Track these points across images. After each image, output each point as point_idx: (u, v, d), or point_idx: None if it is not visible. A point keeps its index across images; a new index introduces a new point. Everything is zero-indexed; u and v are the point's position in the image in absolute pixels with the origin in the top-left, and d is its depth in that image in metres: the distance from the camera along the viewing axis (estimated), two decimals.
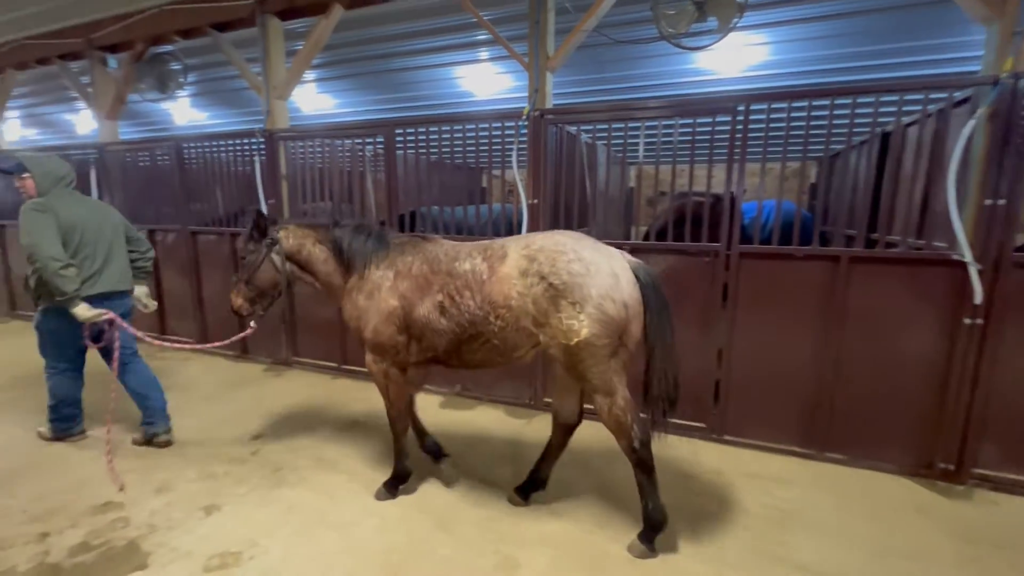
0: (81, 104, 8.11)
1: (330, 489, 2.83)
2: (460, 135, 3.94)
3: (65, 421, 3.31)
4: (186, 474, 2.95)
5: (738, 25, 3.33)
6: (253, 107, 7.97)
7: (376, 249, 2.63)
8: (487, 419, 3.79)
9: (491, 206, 3.98)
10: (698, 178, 3.55)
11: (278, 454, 3.22)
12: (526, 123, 3.68)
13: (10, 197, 6.29)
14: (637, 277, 2.25)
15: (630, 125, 3.60)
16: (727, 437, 3.42)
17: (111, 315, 2.94)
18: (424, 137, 4.06)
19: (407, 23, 5.22)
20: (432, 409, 3.95)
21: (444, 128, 3.97)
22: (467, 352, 2.45)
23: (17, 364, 4.84)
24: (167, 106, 8.62)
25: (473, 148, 3.96)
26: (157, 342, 3.51)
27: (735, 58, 5.45)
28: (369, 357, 2.65)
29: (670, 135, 3.44)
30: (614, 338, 2.17)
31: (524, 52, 3.77)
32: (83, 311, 2.85)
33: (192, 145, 5.10)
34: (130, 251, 3.29)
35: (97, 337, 3.04)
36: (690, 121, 3.38)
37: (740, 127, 3.14)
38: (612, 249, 2.34)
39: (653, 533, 2.32)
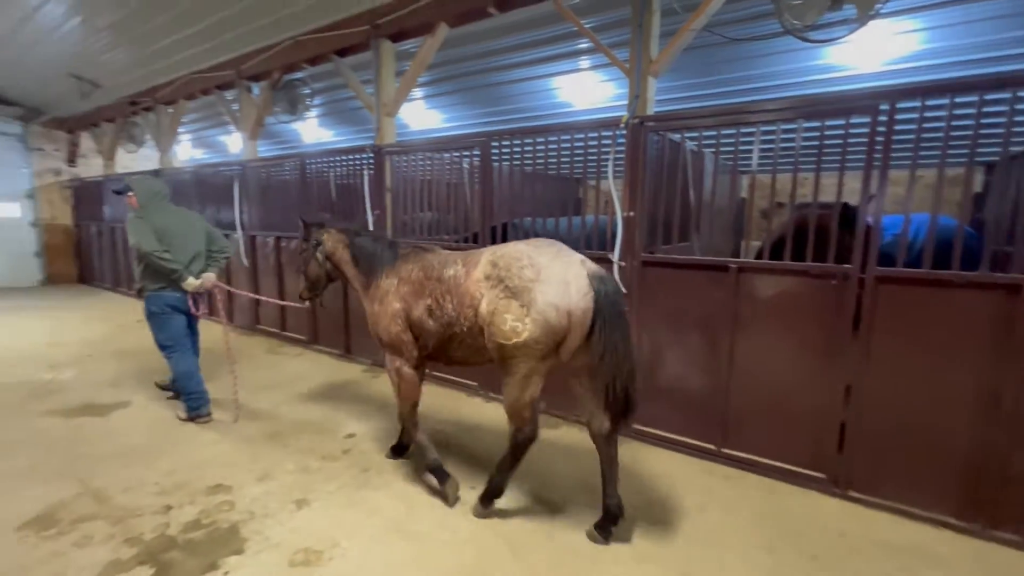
0: (232, 127, 9.41)
1: (410, 496, 2.86)
2: (555, 145, 3.86)
3: (195, 400, 3.77)
4: (285, 465, 3.18)
5: (882, 11, 2.85)
6: (370, 124, 8.65)
7: (387, 259, 2.95)
8: (572, 440, 3.62)
9: (583, 218, 3.84)
10: (825, 187, 3.09)
11: (367, 455, 3.34)
12: (624, 131, 3.50)
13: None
14: (593, 287, 2.29)
15: (743, 131, 3.25)
16: (853, 493, 2.89)
17: (213, 282, 3.78)
18: (519, 148, 4.05)
19: (506, 37, 5.29)
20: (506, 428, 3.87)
21: (539, 139, 3.92)
22: (450, 350, 2.70)
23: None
24: (298, 126, 9.66)
25: (569, 159, 3.86)
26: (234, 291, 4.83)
27: (875, 50, 4.73)
28: (387, 357, 2.94)
29: (791, 140, 3.04)
30: (551, 344, 2.30)
31: (626, 59, 3.59)
32: (190, 282, 3.66)
33: (312, 160, 5.61)
34: (211, 250, 3.95)
35: (197, 306, 3.82)
36: (817, 124, 2.96)
37: (883, 128, 2.67)
38: (574, 258, 2.40)
39: (490, 500, 2.63)
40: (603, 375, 2.31)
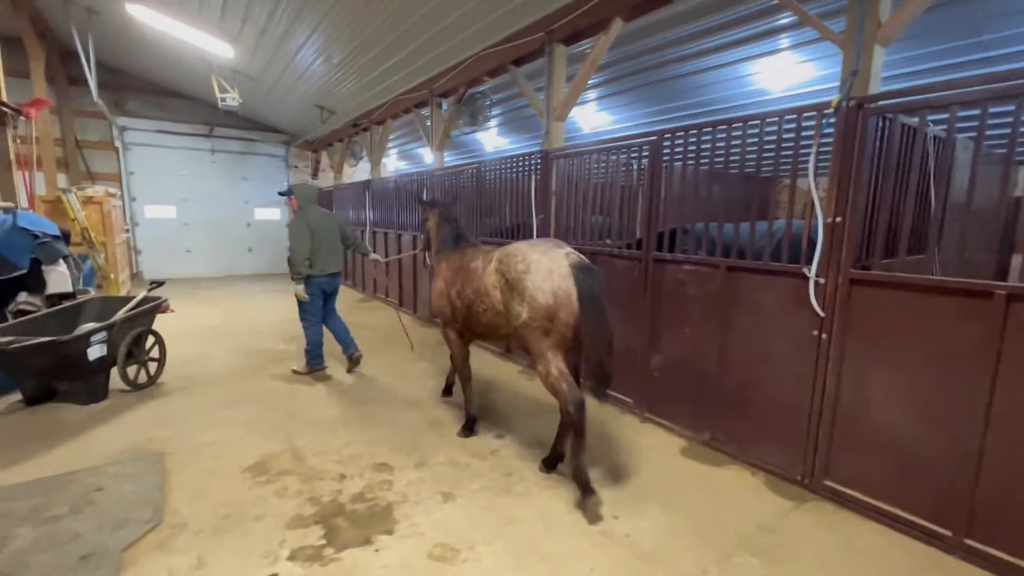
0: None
1: (549, 513, 2.75)
2: (739, 140, 3.34)
3: (316, 359, 5.00)
4: (438, 455, 3.37)
5: None
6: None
7: (449, 246, 3.73)
8: (738, 485, 3.09)
9: (771, 223, 3.23)
10: None
11: (513, 459, 3.35)
12: (832, 117, 2.83)
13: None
14: (572, 273, 2.75)
15: None
16: None
17: (306, 297, 4.74)
18: (695, 145, 3.61)
19: (685, 25, 4.81)
20: (670, 455, 3.47)
21: (721, 133, 3.43)
22: (472, 324, 3.37)
23: (367, 329, 6.55)
24: (480, 136, 10.44)
25: (756, 154, 3.30)
26: (382, 260, 5.40)
27: None
28: (440, 322, 3.73)
29: None
30: (545, 321, 2.76)
31: (841, 30, 2.91)
32: (300, 290, 4.71)
33: (486, 168, 5.93)
34: (345, 244, 5.05)
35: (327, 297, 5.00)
36: None
37: None
38: (559, 252, 2.88)
39: (584, 492, 2.74)
40: (584, 348, 2.74)
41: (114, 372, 4.29)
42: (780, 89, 5.88)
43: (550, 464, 3.19)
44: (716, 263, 3.47)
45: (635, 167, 4.32)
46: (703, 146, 3.58)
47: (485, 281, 3.14)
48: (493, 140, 10.53)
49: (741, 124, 3.31)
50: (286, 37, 6.96)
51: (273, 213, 13.40)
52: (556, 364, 2.81)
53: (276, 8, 6.09)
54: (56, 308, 4.65)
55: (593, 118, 8.07)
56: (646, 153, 3.96)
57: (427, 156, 12.81)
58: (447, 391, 4.42)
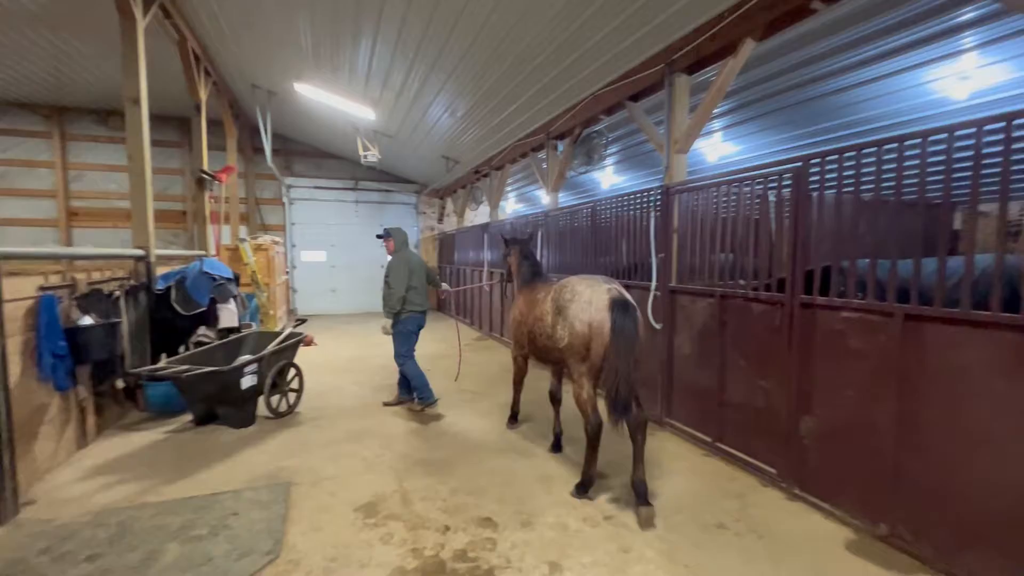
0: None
1: None
2: (917, 160, 2.71)
3: (427, 392, 5.04)
4: (546, 516, 3.09)
5: None
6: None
7: (526, 279, 4.19)
8: None
9: (969, 257, 2.50)
10: None
11: (628, 531, 2.95)
12: None
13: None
14: (609, 307, 3.13)
15: None
16: None
17: (391, 332, 5.04)
18: (852, 171, 3.04)
19: (832, 37, 4.23)
20: (831, 549, 2.78)
21: (890, 151, 2.83)
22: (536, 349, 3.76)
23: (479, 366, 6.58)
24: (597, 175, 10.33)
25: (948, 175, 2.65)
26: (451, 290, 5.87)
27: None
28: (513, 347, 4.25)
29: None
30: (582, 347, 3.19)
31: None
32: (388, 324, 5.02)
33: (602, 206, 5.74)
34: (429, 281, 5.27)
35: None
36: None
37: None
38: (603, 286, 3.28)
39: (584, 489, 3.32)
40: (609, 373, 3.01)
41: (261, 400, 4.78)
42: (962, 97, 4.87)
43: (582, 489, 3.35)
44: (889, 310, 2.81)
45: (773, 198, 3.79)
46: (865, 169, 2.99)
47: (543, 308, 3.59)
48: (609, 178, 10.36)
49: (919, 140, 2.70)
50: (418, 97, 7.66)
51: None
52: (588, 388, 3.23)
53: (410, 72, 6.74)
54: (223, 341, 5.39)
55: (719, 148, 7.50)
56: (788, 182, 3.45)
57: (544, 198, 13.07)
58: (513, 419, 4.71)
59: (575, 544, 2.80)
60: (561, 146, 7.31)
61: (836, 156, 3.11)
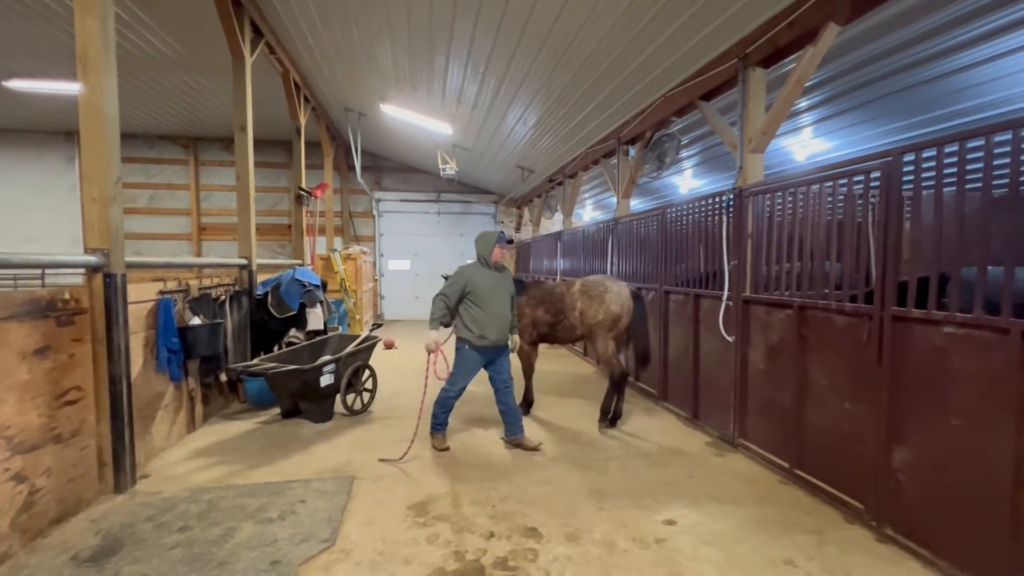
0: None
1: None
2: None
3: (439, 424, 4.37)
4: (593, 532, 2.99)
5: None
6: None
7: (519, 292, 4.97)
8: None
9: None
10: None
11: (682, 556, 2.76)
12: None
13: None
14: (631, 297, 4.77)
15: None
16: None
17: (433, 348, 4.25)
18: (956, 162, 2.62)
19: (928, 17, 3.69)
20: None
21: (1003, 138, 2.41)
22: (553, 333, 5.05)
23: (547, 375, 6.56)
24: (675, 179, 9.89)
25: None
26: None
27: None
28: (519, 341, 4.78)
29: None
30: (612, 323, 4.67)
31: None
32: (432, 338, 4.19)
33: (673, 211, 5.48)
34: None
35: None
36: None
37: None
38: (620, 282, 4.89)
39: (605, 417, 4.86)
40: (634, 343, 4.98)
41: (338, 398, 5.16)
42: None
43: (611, 421, 4.87)
44: (1004, 326, 2.37)
45: (864, 197, 3.38)
46: (973, 163, 2.57)
47: (569, 300, 4.89)
48: (688, 182, 9.87)
49: None
50: (491, 109, 7.88)
51: None
52: (611, 348, 4.71)
53: (482, 86, 6.97)
54: (310, 342, 5.91)
55: (809, 146, 6.84)
56: (877, 179, 3.06)
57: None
58: (528, 407, 5.26)
59: (620, 565, 2.68)
60: (632, 151, 7.11)
61: (934, 148, 2.70)
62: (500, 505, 3.32)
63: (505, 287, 4.35)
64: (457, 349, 4.28)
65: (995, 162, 2.45)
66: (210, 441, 4.50)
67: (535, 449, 4.29)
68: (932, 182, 2.74)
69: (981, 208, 2.56)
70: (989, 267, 2.51)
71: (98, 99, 3.32)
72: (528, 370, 5.21)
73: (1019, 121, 2.34)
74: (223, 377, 5.24)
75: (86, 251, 3.39)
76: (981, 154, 2.49)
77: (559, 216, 11.21)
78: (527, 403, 5.27)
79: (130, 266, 3.63)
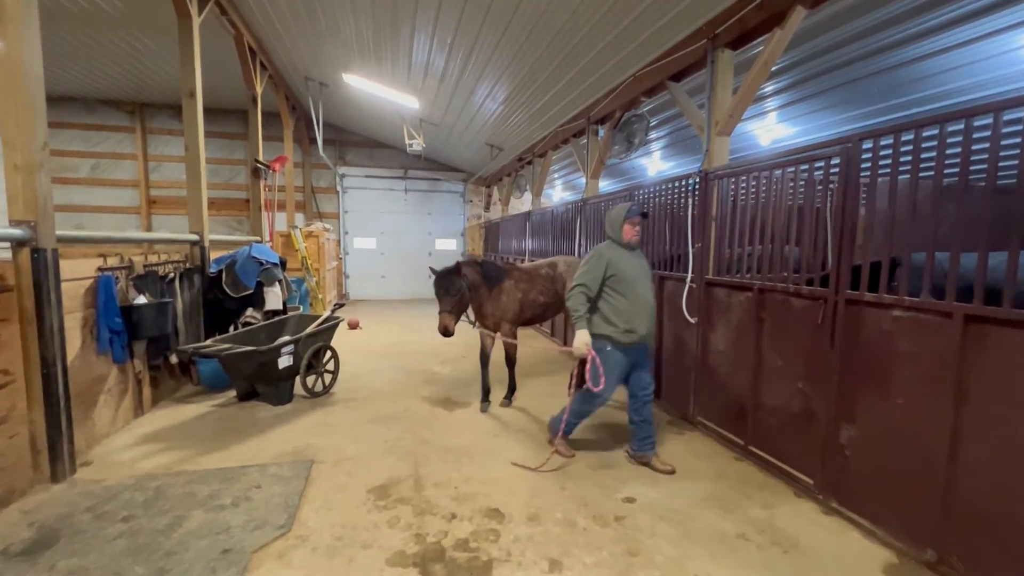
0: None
1: None
2: (991, 136, 2.34)
3: (565, 426, 3.71)
4: (555, 511, 3.01)
5: None
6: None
7: (497, 280, 4.82)
8: None
9: None
10: None
11: (640, 533, 2.81)
12: None
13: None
14: None
15: None
16: None
17: (582, 351, 3.42)
18: (911, 149, 2.68)
19: (897, 2, 3.75)
20: (867, 572, 2.52)
21: (955, 127, 2.47)
22: (534, 313, 5.03)
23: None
24: (644, 161, 9.92)
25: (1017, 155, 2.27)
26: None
27: None
28: (504, 328, 4.79)
29: None
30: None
31: None
32: (580, 340, 3.43)
33: (641, 193, 5.48)
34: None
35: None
36: None
37: None
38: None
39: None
40: None
41: (298, 380, 5.01)
42: None
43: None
44: (947, 310, 2.47)
45: (823, 182, 3.45)
46: (926, 151, 2.63)
47: (560, 281, 5.07)
48: (656, 164, 9.92)
49: (991, 114, 2.33)
50: (459, 83, 7.64)
51: (450, 244, 14.79)
52: None
53: (450, 57, 6.72)
54: (268, 322, 5.69)
55: (774, 131, 6.95)
56: (836, 165, 3.11)
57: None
58: (509, 393, 5.03)
59: (580, 543, 2.71)
60: (602, 131, 7.05)
61: (891, 136, 2.76)
62: (463, 487, 3.31)
63: (648, 270, 3.66)
64: (597, 351, 3.47)
65: (948, 151, 2.52)
66: (159, 426, 4.29)
67: (669, 472, 3.52)
68: (888, 169, 2.80)
69: (932, 196, 2.63)
70: (937, 253, 2.60)
71: (17, 54, 3.00)
72: (513, 356, 4.96)
73: (971, 111, 2.40)
74: (173, 359, 4.99)
75: (11, 223, 3.10)
76: (935, 143, 2.55)
77: (528, 196, 11.12)
78: (511, 390, 5.05)
79: (63, 240, 3.36)
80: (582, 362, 3.64)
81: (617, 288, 3.44)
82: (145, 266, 4.57)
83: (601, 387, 3.45)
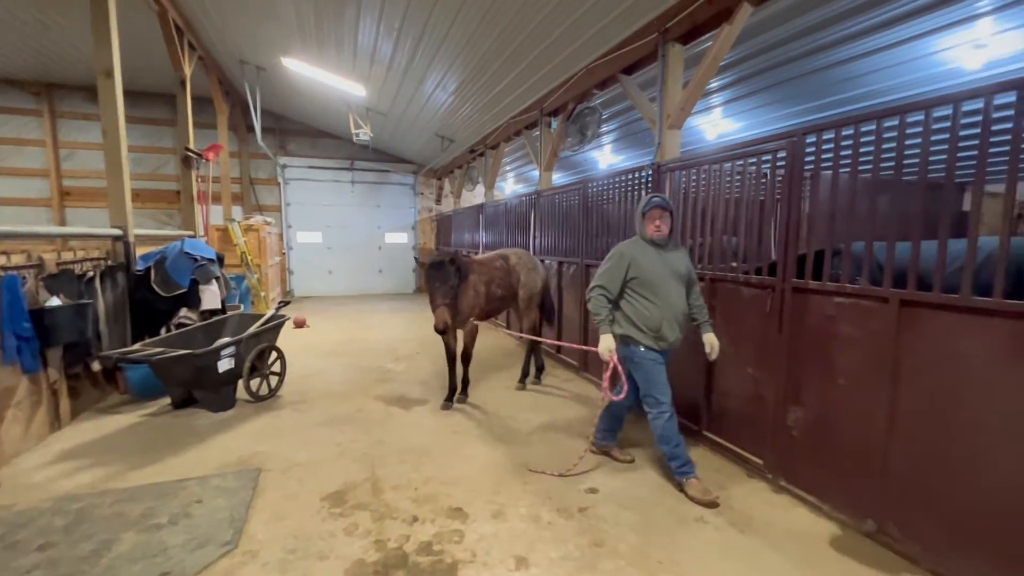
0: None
1: None
2: (922, 132, 2.49)
3: (683, 463, 3.18)
4: (519, 506, 2.98)
5: None
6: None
7: (463, 277, 4.53)
8: None
9: (973, 241, 2.30)
10: None
11: (604, 523, 2.83)
12: None
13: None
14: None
15: None
16: None
17: (608, 354, 3.17)
18: (851, 145, 2.82)
19: (834, 3, 3.95)
20: (814, 545, 2.65)
21: (891, 123, 2.61)
22: (492, 306, 4.92)
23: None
24: (595, 154, 10.05)
25: (953, 151, 2.43)
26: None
27: None
28: (471, 322, 4.72)
29: None
30: (543, 291, 5.35)
31: None
32: (605, 344, 3.18)
33: (593, 185, 5.52)
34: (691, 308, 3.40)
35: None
36: None
37: None
38: (534, 257, 5.49)
39: (524, 378, 5.44)
40: (549, 303, 5.52)
41: (240, 384, 4.69)
42: (976, 67, 4.59)
43: (537, 372, 5.55)
44: (884, 295, 2.62)
45: (769, 175, 3.59)
46: (864, 146, 2.77)
47: (515, 274, 5.12)
48: (607, 157, 10.07)
49: (922, 112, 2.48)
50: (408, 71, 7.38)
51: (401, 237, 14.41)
52: (537, 315, 5.31)
53: (398, 44, 6.47)
54: (205, 323, 5.29)
55: (719, 126, 7.21)
56: (783, 158, 3.23)
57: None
58: (464, 389, 4.90)
59: (546, 537, 2.69)
60: (555, 123, 7.05)
61: (833, 130, 2.89)
62: (423, 487, 3.20)
63: (678, 268, 3.25)
64: (626, 358, 3.24)
65: (884, 146, 2.66)
66: (81, 440, 3.89)
67: (629, 462, 3.54)
68: (830, 163, 2.93)
69: (870, 187, 2.78)
70: (875, 242, 2.76)
71: None
72: (471, 350, 4.81)
73: (904, 107, 2.55)
74: (95, 366, 4.53)
75: None
76: (872, 138, 2.69)
77: (481, 188, 11.00)
78: (465, 385, 4.89)
79: None
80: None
81: (640, 291, 3.17)
82: (58, 264, 4.11)
83: (622, 396, 3.28)
